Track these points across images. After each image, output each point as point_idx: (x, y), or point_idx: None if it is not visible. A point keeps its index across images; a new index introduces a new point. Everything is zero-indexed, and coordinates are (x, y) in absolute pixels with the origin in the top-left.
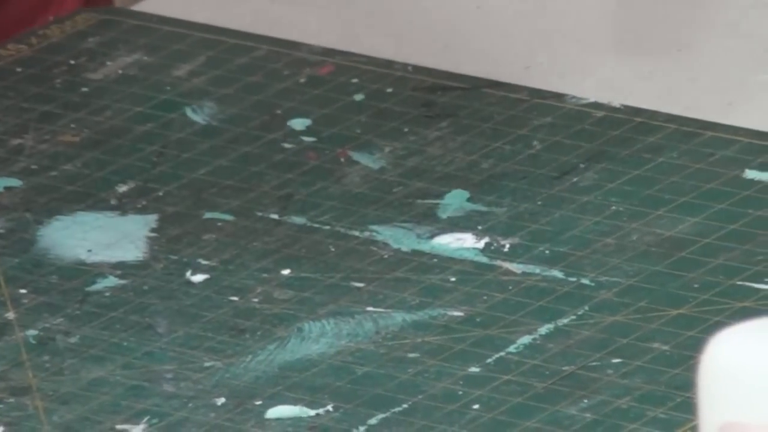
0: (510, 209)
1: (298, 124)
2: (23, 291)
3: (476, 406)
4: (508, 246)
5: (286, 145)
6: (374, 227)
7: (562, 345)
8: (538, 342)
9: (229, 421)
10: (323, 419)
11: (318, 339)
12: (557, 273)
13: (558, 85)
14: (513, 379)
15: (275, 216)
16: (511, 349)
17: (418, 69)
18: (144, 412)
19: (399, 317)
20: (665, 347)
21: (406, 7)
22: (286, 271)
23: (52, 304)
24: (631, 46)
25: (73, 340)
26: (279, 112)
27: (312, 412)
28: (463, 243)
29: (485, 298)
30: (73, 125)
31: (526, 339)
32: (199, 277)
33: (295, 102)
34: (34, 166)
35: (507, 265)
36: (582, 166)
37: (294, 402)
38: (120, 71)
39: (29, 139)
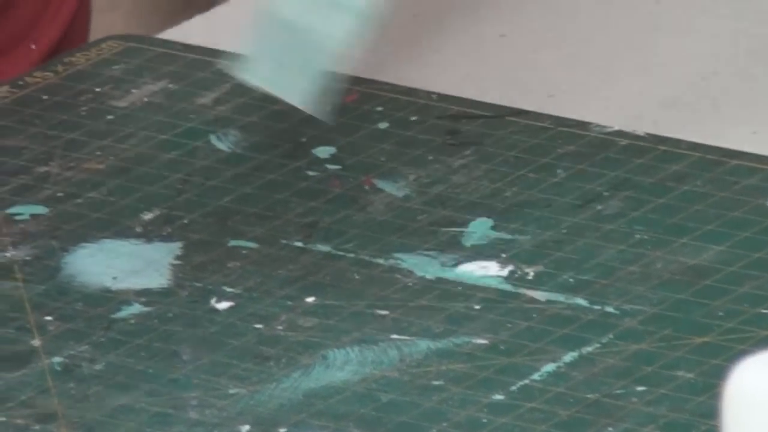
0: (534, 237)
1: (323, 152)
2: (49, 318)
3: None
4: (532, 274)
5: (311, 173)
6: (399, 255)
7: (586, 373)
8: (563, 370)
9: None
10: None
11: (342, 366)
12: (581, 301)
13: (582, 114)
14: (537, 407)
15: (300, 244)
16: (536, 376)
17: (443, 97)
18: None
19: (423, 345)
20: (690, 375)
21: (431, 35)
22: (310, 299)
23: (78, 331)
24: (656, 74)
25: (98, 367)
26: (303, 139)
27: None
28: (487, 271)
29: (509, 325)
30: (98, 153)
31: (550, 367)
32: (223, 305)
33: (320, 130)
34: (59, 194)
35: (531, 293)
36: (606, 194)
37: (318, 429)
38: (145, 99)
39: (55, 166)
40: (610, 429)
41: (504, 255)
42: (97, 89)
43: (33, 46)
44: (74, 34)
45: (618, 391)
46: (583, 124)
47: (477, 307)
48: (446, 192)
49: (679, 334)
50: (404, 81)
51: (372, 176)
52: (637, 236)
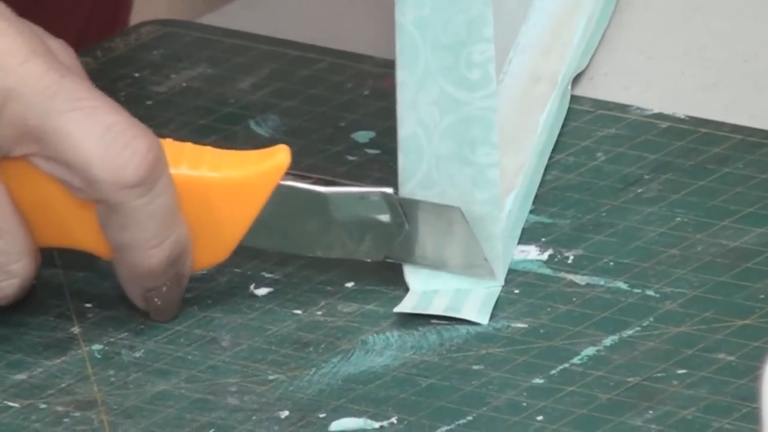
0: (574, 221)
1: (362, 136)
2: (88, 305)
3: (540, 418)
4: (572, 257)
5: (350, 158)
6: None
7: (626, 356)
8: (603, 353)
9: None
10: (387, 431)
11: (382, 351)
12: (621, 284)
13: (622, 96)
14: (577, 391)
15: None
16: (576, 360)
17: None
18: (208, 425)
19: (463, 329)
20: (731, 358)
21: None
22: (349, 284)
23: (117, 318)
24: (696, 56)
25: (137, 354)
26: (343, 124)
27: (376, 425)
28: (526, 255)
29: (549, 309)
30: None
31: (590, 350)
32: (262, 291)
33: (359, 114)
34: None
35: (571, 276)
36: (646, 177)
37: (358, 414)
38: (184, 84)
39: None
40: (650, 412)
41: (543, 239)
42: (136, 74)
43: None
44: (118, 21)
45: (658, 374)
46: (623, 107)
47: (516, 291)
48: None
49: (719, 316)
50: None
51: None
52: (678, 219)
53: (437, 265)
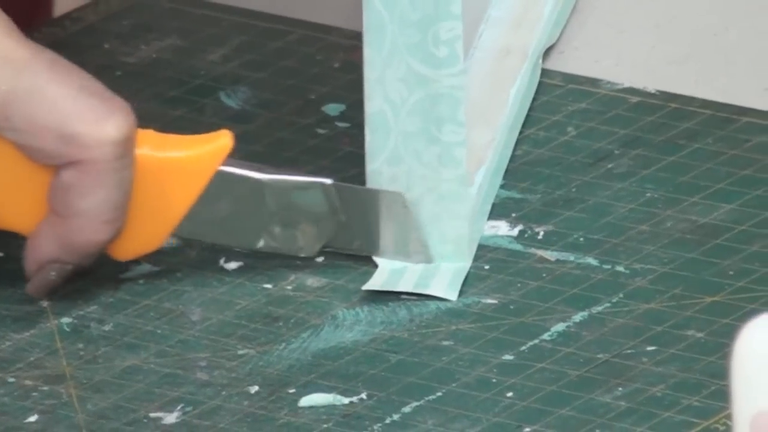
0: (544, 196)
1: (333, 109)
2: None
3: (510, 394)
4: (542, 233)
5: (320, 131)
6: None
7: (596, 333)
8: (573, 330)
9: (263, 409)
10: (357, 407)
11: (352, 327)
12: (592, 260)
13: (593, 70)
14: (547, 367)
15: None
16: (545, 336)
17: None
18: (178, 400)
19: (433, 305)
20: (700, 335)
21: None
22: (319, 259)
23: (87, 291)
24: (667, 29)
25: (107, 327)
26: (313, 97)
27: (346, 400)
28: (497, 230)
29: (519, 285)
30: None
31: (560, 327)
32: (232, 265)
33: (330, 87)
34: None
35: (541, 252)
36: (617, 152)
37: (328, 390)
38: (154, 55)
39: None
40: (620, 389)
41: (514, 214)
42: (106, 45)
43: None
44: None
45: (628, 351)
46: (593, 81)
47: (487, 267)
48: None
49: (689, 293)
50: None
51: None
52: (648, 195)
53: (375, 252)
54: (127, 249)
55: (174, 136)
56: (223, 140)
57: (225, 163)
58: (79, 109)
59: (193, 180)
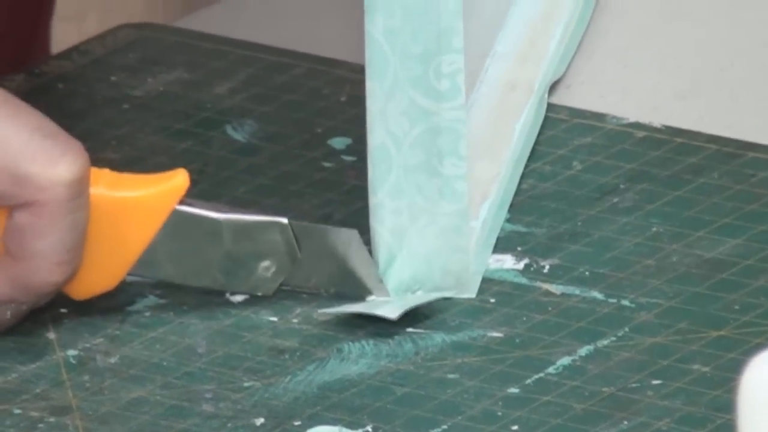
0: (550, 230)
1: (339, 143)
2: (64, 310)
3: (515, 427)
4: (548, 267)
5: (327, 164)
6: None
7: (601, 366)
8: (578, 363)
9: None
10: None
11: (357, 360)
12: (597, 294)
13: (599, 105)
14: (552, 401)
15: None
16: (551, 370)
17: None
18: None
19: (438, 338)
20: (705, 369)
21: None
22: (325, 293)
23: (93, 323)
24: (673, 65)
25: (113, 359)
26: (319, 130)
27: None
28: (502, 264)
29: (525, 319)
30: (114, 142)
31: (565, 360)
32: (238, 298)
33: (336, 120)
34: None
35: (547, 286)
36: (622, 186)
37: (333, 422)
38: (161, 88)
39: None
40: (625, 422)
41: (519, 248)
42: (113, 78)
43: None
44: (37, 43)
45: (633, 385)
46: (599, 116)
47: (492, 300)
48: None
49: (694, 327)
50: None
51: None
52: (654, 229)
53: (332, 289)
54: (84, 288)
55: (130, 175)
56: (179, 179)
57: (182, 203)
58: (31, 150)
59: (149, 219)
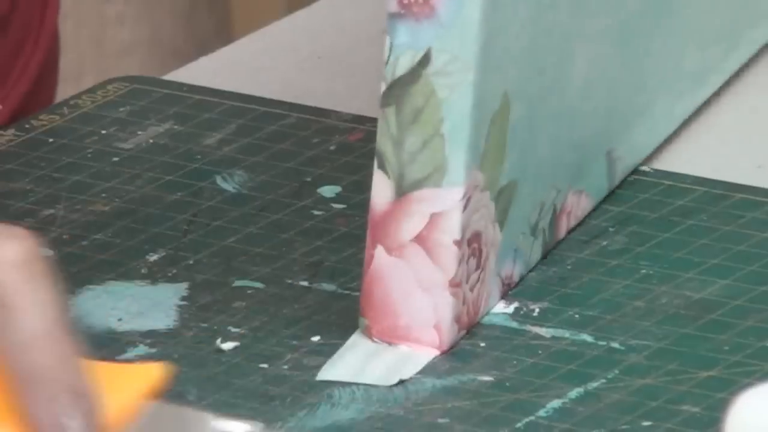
0: (539, 274)
1: (328, 191)
2: None
3: None
4: (537, 310)
5: (316, 212)
6: None
7: (592, 408)
8: (568, 406)
9: None
10: None
11: (348, 405)
12: (587, 337)
13: None
14: None
15: (305, 283)
16: (541, 413)
17: None
18: None
19: (429, 383)
20: (695, 409)
21: None
22: (315, 338)
23: None
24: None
25: None
26: (309, 179)
27: None
28: (492, 308)
29: (515, 362)
30: (104, 195)
31: (556, 403)
32: (229, 345)
33: (325, 169)
34: (65, 236)
35: (536, 329)
36: (611, 229)
37: None
38: (151, 140)
39: (60, 209)
40: None
41: (509, 292)
42: (103, 131)
43: (0, 106)
44: (42, 91)
45: (624, 427)
46: None
47: (482, 344)
48: None
49: (684, 368)
50: None
51: None
52: (643, 271)
53: None
54: None
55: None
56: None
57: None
58: None
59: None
